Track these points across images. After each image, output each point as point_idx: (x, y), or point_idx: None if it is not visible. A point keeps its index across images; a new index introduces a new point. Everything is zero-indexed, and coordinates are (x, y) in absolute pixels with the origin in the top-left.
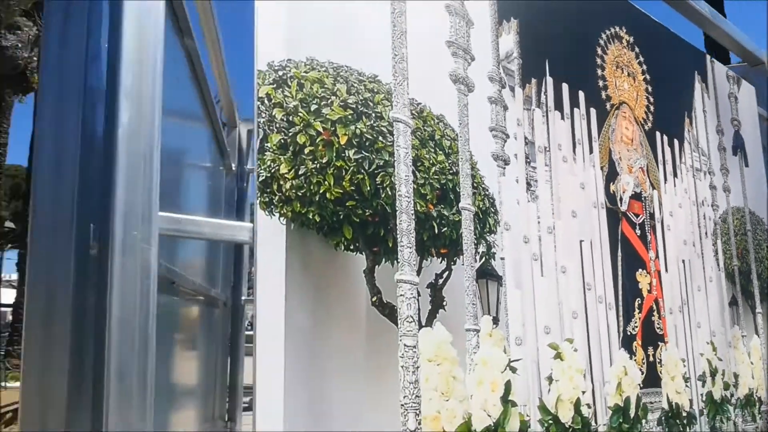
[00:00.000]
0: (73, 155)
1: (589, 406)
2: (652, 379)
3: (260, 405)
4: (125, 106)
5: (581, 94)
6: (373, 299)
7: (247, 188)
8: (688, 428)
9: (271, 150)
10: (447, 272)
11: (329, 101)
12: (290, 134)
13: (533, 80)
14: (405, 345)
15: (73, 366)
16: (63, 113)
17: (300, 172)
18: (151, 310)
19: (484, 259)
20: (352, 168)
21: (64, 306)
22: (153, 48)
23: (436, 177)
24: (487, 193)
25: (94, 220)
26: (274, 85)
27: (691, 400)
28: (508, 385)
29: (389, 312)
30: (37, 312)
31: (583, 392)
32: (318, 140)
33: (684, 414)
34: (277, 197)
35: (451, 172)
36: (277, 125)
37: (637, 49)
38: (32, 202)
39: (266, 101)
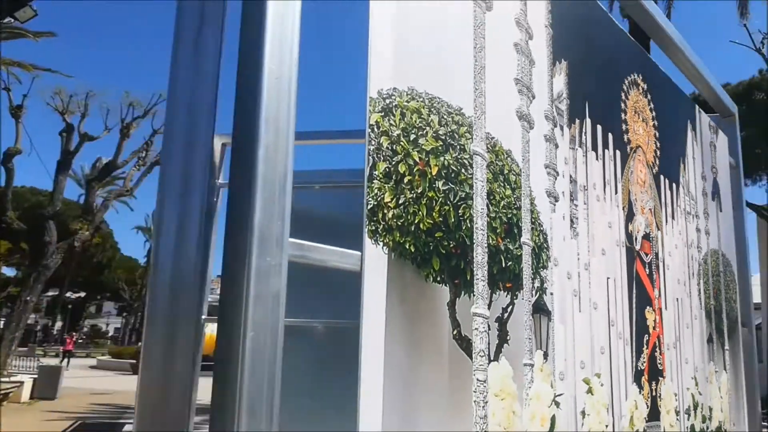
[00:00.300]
0: (201, 180)
1: None
2: (654, 412)
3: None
4: (264, 130)
5: (610, 136)
6: (454, 332)
7: (217, 203)
8: None
9: (378, 178)
10: (511, 306)
11: (424, 132)
12: (393, 163)
13: (577, 120)
14: (477, 379)
15: (192, 373)
16: (192, 134)
17: (400, 201)
18: (281, 336)
19: (538, 294)
20: (440, 199)
21: (186, 319)
22: (289, 73)
23: (504, 211)
24: (541, 228)
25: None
26: (382, 113)
27: None
28: (553, 420)
29: (466, 346)
30: (158, 323)
31: (606, 426)
32: (415, 170)
33: None
34: (381, 226)
35: (515, 206)
36: (384, 153)
37: (649, 96)
38: (157, 216)
39: (375, 129)
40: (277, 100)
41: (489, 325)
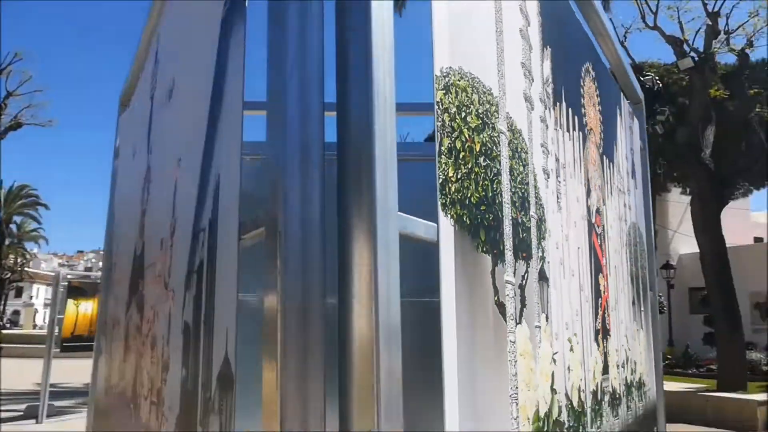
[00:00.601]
0: (317, 152)
1: (582, 391)
2: (605, 367)
3: (447, 393)
4: (377, 105)
5: (576, 119)
6: (495, 298)
7: None
8: (619, 408)
9: (444, 153)
10: (526, 274)
11: (470, 110)
12: (452, 139)
13: (557, 104)
14: (510, 341)
15: (323, 363)
16: (306, 111)
17: (459, 176)
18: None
19: (541, 262)
20: (482, 174)
21: (317, 305)
22: (389, 47)
23: (520, 186)
24: (540, 203)
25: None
26: (444, 91)
27: (620, 384)
28: (553, 376)
29: (502, 311)
30: (293, 314)
31: (581, 380)
32: (466, 146)
33: (617, 395)
34: (448, 199)
35: (525, 182)
36: (446, 130)
37: (596, 83)
38: (282, 205)
39: (440, 105)
40: (383, 74)
41: (515, 292)
